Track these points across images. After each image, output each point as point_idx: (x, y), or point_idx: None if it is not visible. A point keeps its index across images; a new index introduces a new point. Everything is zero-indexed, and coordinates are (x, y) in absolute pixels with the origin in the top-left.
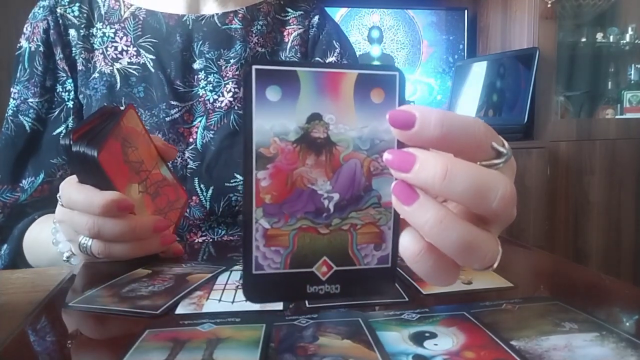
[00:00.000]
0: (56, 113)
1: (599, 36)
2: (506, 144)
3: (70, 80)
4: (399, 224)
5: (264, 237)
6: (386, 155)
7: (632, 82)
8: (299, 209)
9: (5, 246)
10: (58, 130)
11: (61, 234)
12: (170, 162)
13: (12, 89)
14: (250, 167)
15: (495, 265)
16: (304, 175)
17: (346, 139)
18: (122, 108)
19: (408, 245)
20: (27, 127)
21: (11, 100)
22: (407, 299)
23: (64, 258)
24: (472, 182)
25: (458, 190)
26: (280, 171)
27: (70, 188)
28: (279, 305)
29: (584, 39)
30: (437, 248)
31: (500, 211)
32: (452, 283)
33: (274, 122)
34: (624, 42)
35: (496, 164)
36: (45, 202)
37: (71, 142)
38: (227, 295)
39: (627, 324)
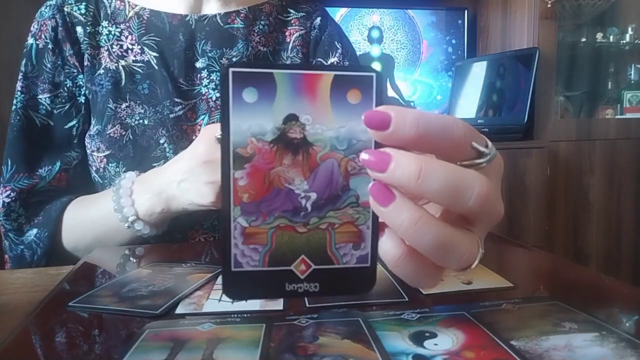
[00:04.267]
0: (66, 108)
1: (599, 36)
2: (489, 143)
3: (81, 76)
4: (378, 224)
5: (242, 235)
6: (363, 155)
7: (632, 82)
8: (276, 208)
9: (35, 230)
10: (69, 125)
11: (126, 199)
12: None
13: (18, 83)
14: (227, 166)
15: (474, 266)
16: (281, 174)
17: (323, 139)
18: None
19: (389, 249)
20: (38, 122)
21: (18, 93)
22: (407, 299)
23: (128, 223)
24: (446, 180)
25: (433, 188)
26: (257, 170)
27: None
28: (279, 305)
29: (583, 39)
30: (418, 252)
31: (478, 209)
32: (434, 286)
33: (251, 123)
34: (624, 42)
35: (478, 164)
36: (62, 194)
37: None
38: None
39: (627, 324)
